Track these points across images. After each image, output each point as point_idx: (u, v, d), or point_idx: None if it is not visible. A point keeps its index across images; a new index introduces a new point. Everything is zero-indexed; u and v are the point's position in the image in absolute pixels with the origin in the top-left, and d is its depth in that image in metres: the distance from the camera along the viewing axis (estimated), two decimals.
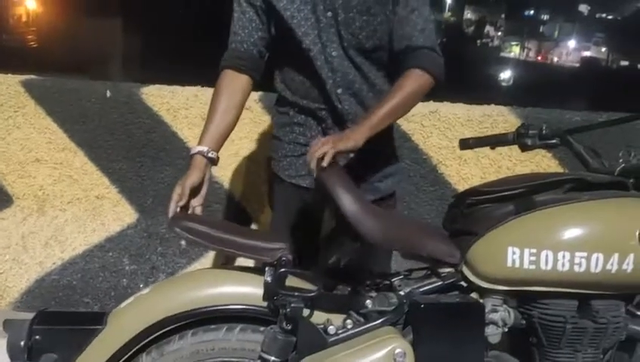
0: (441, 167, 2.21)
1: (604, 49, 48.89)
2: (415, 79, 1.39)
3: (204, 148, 1.37)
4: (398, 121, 2.19)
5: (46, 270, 2.26)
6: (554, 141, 1.41)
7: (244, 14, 1.45)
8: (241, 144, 2.25)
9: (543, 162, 2.18)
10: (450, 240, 1.27)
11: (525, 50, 53.83)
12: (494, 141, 1.53)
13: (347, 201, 1.17)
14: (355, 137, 1.31)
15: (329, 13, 1.40)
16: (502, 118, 2.15)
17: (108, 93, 2.26)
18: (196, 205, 1.34)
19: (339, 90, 1.45)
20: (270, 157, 1.60)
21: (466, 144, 1.56)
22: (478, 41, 52.90)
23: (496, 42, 55.17)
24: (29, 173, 2.31)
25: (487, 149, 2.09)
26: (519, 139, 1.45)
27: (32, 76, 2.37)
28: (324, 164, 1.24)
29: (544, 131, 1.41)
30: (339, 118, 1.48)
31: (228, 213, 2.30)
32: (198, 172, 1.35)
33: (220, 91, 1.43)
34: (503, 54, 50.11)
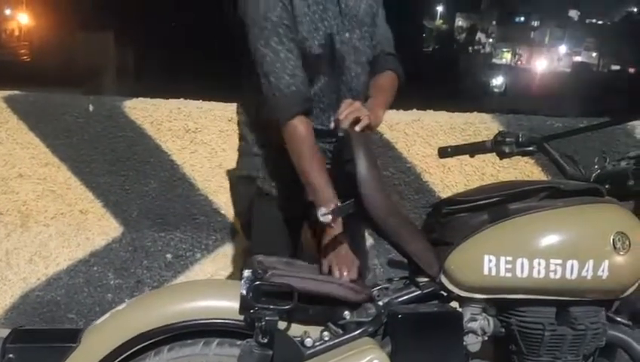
0: (425, 175, 2.22)
1: (594, 54, 49.32)
2: (393, 81, 1.52)
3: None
4: (382, 130, 2.21)
5: (30, 286, 2.24)
6: (531, 148, 1.42)
7: (291, 52, 1.33)
8: (225, 156, 2.25)
9: (526, 168, 2.19)
10: (433, 251, 1.27)
11: (516, 56, 54.24)
12: (473, 149, 1.54)
13: (363, 166, 1.20)
14: (380, 117, 1.40)
15: (347, 34, 1.40)
16: (484, 126, 2.16)
17: (90, 108, 2.26)
18: None
19: None
20: (245, 176, 1.54)
21: (445, 152, 1.57)
22: (470, 48, 53.24)
23: (487, 49, 55.58)
24: (12, 189, 2.30)
25: (477, 160, 2.11)
26: (497, 146, 1.46)
27: (15, 92, 2.37)
28: (358, 129, 1.27)
29: (521, 139, 1.42)
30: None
31: (212, 226, 2.29)
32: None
33: (312, 140, 1.33)
34: (494, 60, 50.46)
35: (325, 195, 1.28)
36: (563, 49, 53.28)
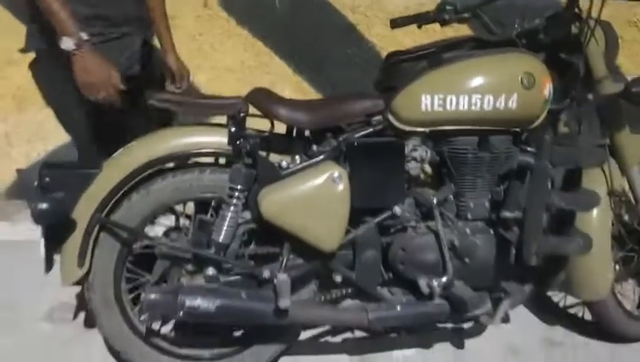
0: (384, 53, 2.46)
1: None
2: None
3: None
4: (345, 13, 2.43)
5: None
6: (466, 15, 1.69)
7: None
8: (202, 40, 2.44)
9: None
10: (367, 95, 1.55)
11: None
12: (419, 19, 1.79)
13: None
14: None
15: None
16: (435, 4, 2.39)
17: None
18: None
19: None
20: None
21: (395, 23, 1.82)
22: None
23: None
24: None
25: (425, 36, 2.34)
26: (439, 15, 1.72)
27: None
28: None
29: (459, 6, 1.68)
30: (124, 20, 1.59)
31: None
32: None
33: None
34: None
35: (68, 25, 1.40)
36: None
